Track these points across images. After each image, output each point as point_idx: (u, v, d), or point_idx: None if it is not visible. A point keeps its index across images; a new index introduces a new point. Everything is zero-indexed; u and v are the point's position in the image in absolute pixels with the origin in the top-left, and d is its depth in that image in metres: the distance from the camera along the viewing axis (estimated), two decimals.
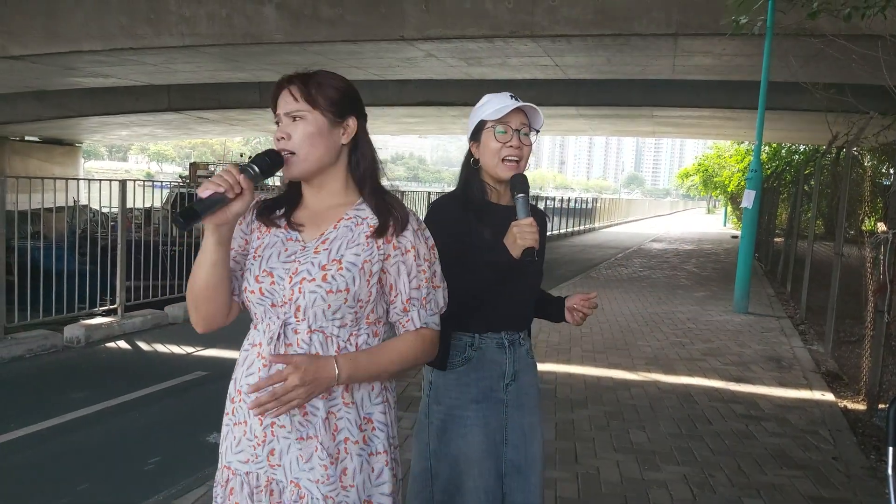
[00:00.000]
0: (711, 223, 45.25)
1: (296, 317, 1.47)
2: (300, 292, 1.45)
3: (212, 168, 19.14)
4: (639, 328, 7.68)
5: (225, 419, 1.56)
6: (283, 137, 1.50)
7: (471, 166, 2.02)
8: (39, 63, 12.20)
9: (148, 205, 12.77)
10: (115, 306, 7.45)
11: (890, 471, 2.18)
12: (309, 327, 1.47)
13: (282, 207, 1.59)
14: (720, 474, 3.71)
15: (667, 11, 9.08)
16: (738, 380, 5.64)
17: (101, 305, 7.57)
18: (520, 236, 1.84)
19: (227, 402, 1.55)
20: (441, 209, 1.98)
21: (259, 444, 1.49)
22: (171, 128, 24.65)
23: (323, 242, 1.50)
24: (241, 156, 21.78)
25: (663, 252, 19.40)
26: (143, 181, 10.07)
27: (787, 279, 11.12)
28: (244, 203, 1.43)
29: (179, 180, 17.91)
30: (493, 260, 1.87)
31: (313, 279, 1.45)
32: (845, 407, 5.03)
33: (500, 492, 1.97)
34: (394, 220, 1.51)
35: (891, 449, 2.18)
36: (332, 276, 1.45)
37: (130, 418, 4.87)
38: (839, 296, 6.31)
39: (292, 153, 1.49)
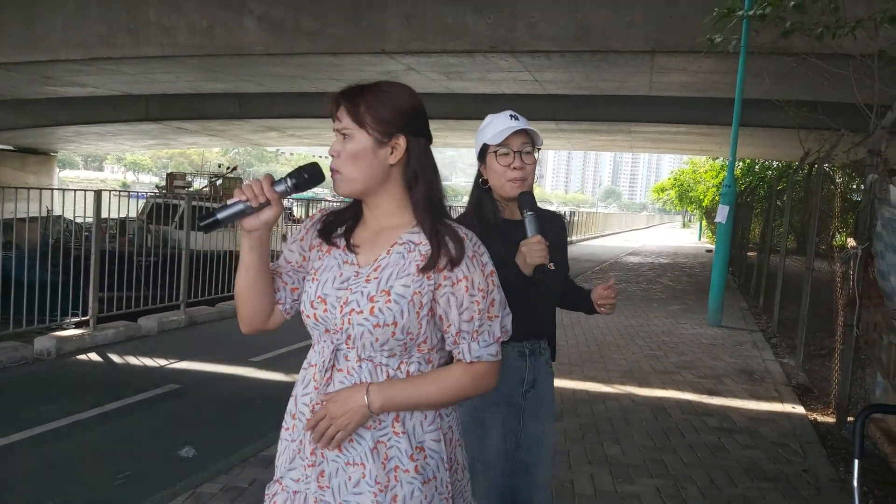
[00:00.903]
0: (686, 237, 45.74)
1: (347, 344, 1.46)
2: (349, 323, 1.44)
3: (189, 178, 18.98)
4: (614, 341, 7.73)
5: (284, 433, 1.55)
6: (333, 155, 1.49)
7: (481, 186, 2.09)
8: (15, 71, 12.07)
9: (123, 215, 12.65)
10: (87, 318, 7.34)
11: (855, 482, 2.22)
12: (358, 356, 1.46)
13: (343, 224, 1.56)
14: (692, 487, 3.74)
15: (644, 29, 9.24)
16: (711, 393, 5.70)
17: (72, 317, 7.46)
18: (528, 255, 1.89)
19: (288, 418, 1.54)
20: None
21: (310, 466, 1.48)
22: (149, 138, 24.45)
23: (375, 269, 1.46)
24: (220, 167, 21.59)
25: (639, 265, 19.58)
26: (119, 191, 9.96)
27: (760, 293, 11.27)
28: (273, 213, 1.46)
29: (156, 190, 17.74)
30: (508, 282, 1.90)
31: (361, 311, 1.42)
32: (815, 420, 5.11)
33: (510, 490, 2.06)
34: (445, 254, 1.43)
35: (856, 461, 2.23)
36: (380, 309, 1.41)
37: (101, 432, 4.80)
38: (810, 310, 6.41)
39: (338, 171, 1.48)
